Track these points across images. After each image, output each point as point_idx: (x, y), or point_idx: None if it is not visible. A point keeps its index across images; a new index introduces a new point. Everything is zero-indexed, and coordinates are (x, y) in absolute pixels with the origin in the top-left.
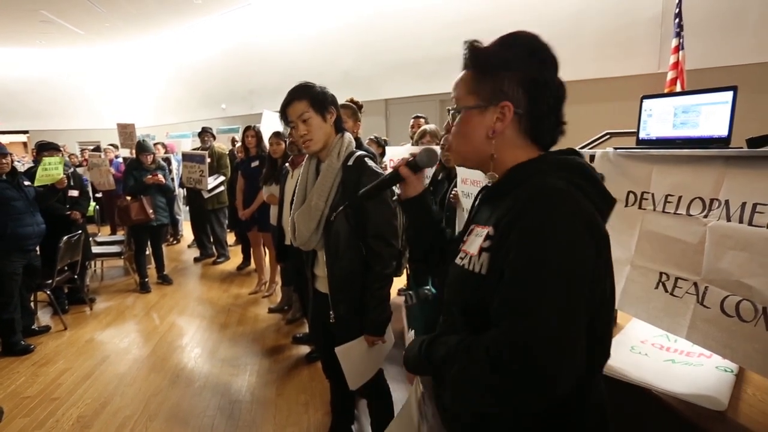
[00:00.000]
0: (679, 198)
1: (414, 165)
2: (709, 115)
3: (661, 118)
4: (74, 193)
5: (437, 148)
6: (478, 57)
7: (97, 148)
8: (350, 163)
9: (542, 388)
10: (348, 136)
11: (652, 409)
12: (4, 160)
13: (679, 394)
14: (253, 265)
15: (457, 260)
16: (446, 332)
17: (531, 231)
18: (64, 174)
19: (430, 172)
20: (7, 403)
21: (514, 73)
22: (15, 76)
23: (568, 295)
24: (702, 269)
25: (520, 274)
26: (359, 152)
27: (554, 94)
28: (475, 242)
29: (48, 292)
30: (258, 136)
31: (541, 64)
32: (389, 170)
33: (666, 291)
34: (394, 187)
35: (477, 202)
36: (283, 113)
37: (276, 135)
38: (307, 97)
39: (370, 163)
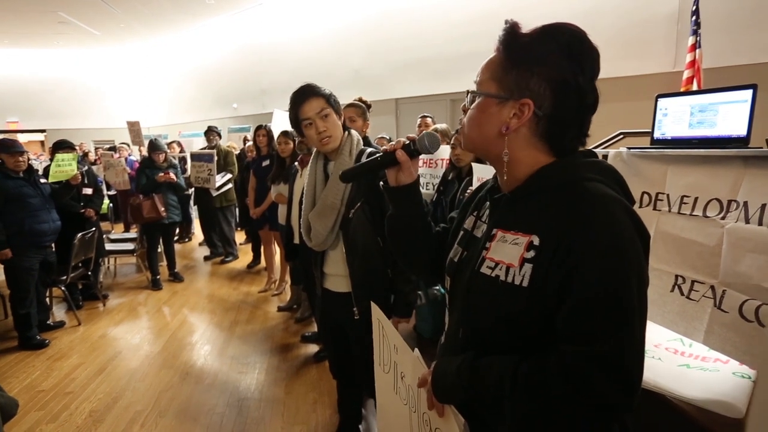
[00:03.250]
0: (696, 199)
1: (413, 150)
2: (727, 114)
3: (676, 118)
4: (88, 190)
5: (447, 148)
6: (512, 43)
7: (113, 148)
8: (363, 159)
9: (628, 401)
10: (355, 133)
11: (667, 415)
12: (20, 158)
13: (694, 399)
14: (263, 263)
15: (485, 270)
16: (466, 348)
17: (606, 248)
18: (79, 171)
19: (439, 172)
20: (22, 396)
21: (545, 69)
22: (33, 77)
23: (642, 307)
24: (719, 272)
25: (605, 293)
26: (370, 149)
27: (584, 102)
28: (509, 250)
29: (63, 288)
30: (269, 135)
31: (577, 66)
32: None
33: (682, 294)
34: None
35: (489, 203)
36: (297, 111)
37: (284, 134)
38: (323, 95)
39: None
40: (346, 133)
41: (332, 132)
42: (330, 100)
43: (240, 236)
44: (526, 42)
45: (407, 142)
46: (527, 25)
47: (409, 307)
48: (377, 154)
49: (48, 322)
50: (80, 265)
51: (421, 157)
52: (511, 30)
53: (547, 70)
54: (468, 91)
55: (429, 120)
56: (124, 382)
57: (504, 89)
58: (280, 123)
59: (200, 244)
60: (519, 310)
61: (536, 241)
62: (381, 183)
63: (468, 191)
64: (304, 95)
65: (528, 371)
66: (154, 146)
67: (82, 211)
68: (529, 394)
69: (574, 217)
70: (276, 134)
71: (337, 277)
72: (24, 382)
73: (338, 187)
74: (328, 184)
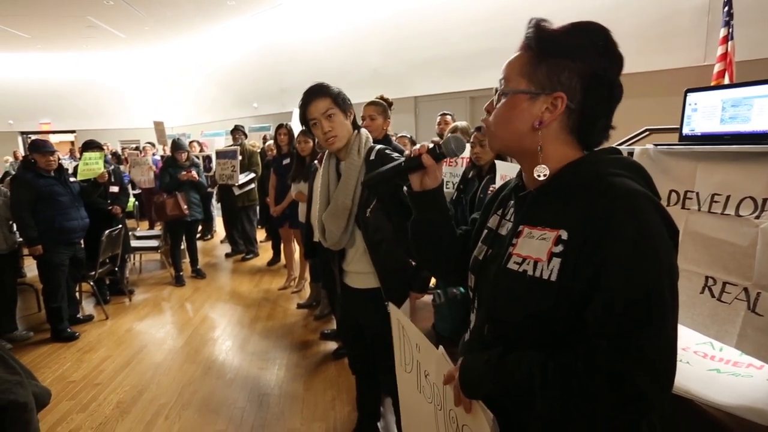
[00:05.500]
0: (728, 197)
1: (439, 153)
2: (763, 109)
3: (707, 113)
4: (115, 189)
5: (462, 139)
6: (543, 38)
7: (137, 149)
8: (372, 157)
9: (661, 398)
10: (364, 131)
11: (696, 420)
12: (51, 158)
13: (725, 406)
14: (283, 261)
15: (512, 265)
16: (493, 344)
17: (635, 241)
18: (106, 170)
19: (459, 170)
20: (54, 386)
21: (576, 63)
22: (63, 79)
23: (673, 299)
24: (753, 274)
25: (635, 287)
26: (378, 146)
27: (612, 96)
28: (537, 245)
29: (91, 283)
30: (290, 134)
31: (607, 61)
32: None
33: (713, 296)
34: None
35: (514, 201)
36: (304, 112)
37: (303, 133)
38: (329, 95)
39: (394, 154)
40: (356, 132)
41: (338, 132)
42: (337, 99)
43: (260, 234)
44: (557, 36)
45: (431, 145)
46: (551, 20)
47: (427, 283)
48: (401, 159)
49: (78, 315)
50: (107, 261)
51: None
52: (540, 26)
53: (579, 65)
54: (496, 90)
55: (449, 117)
56: (149, 375)
57: (535, 84)
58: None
59: (222, 242)
60: (547, 304)
61: (564, 235)
62: (405, 188)
63: (490, 189)
64: (311, 95)
65: (558, 365)
66: (176, 146)
67: (110, 208)
68: (560, 388)
69: (601, 211)
70: (296, 133)
71: (355, 273)
72: (56, 373)
73: (349, 188)
74: (339, 184)
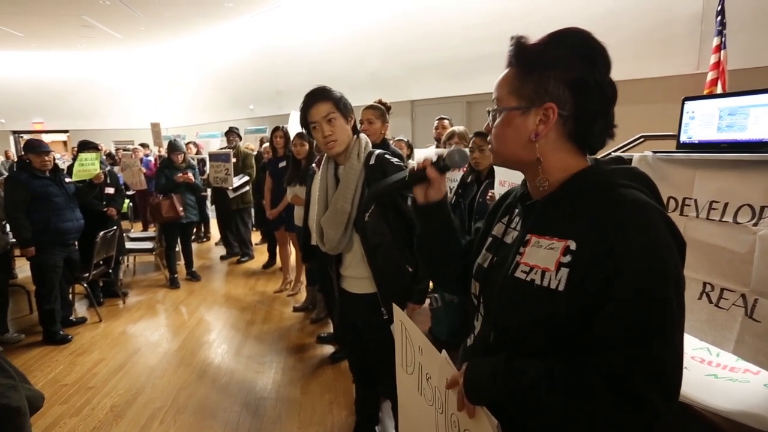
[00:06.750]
0: (726, 204)
1: (443, 166)
2: (759, 118)
3: (704, 121)
4: (110, 190)
5: (466, 151)
6: (522, 54)
7: (126, 149)
8: (372, 162)
9: (666, 407)
10: (363, 136)
11: (693, 425)
12: (46, 158)
13: (723, 411)
14: (278, 263)
15: (519, 274)
16: (498, 351)
17: (645, 253)
18: (102, 171)
19: (458, 175)
20: (47, 389)
21: (560, 72)
22: (57, 78)
23: (680, 311)
24: (751, 280)
25: (644, 297)
26: (378, 151)
27: (604, 96)
28: (545, 255)
29: (85, 285)
30: (286, 136)
31: (590, 64)
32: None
33: (710, 302)
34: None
35: (520, 210)
36: (305, 114)
37: (299, 136)
38: (331, 99)
39: (393, 159)
40: (355, 137)
41: (338, 136)
42: (339, 103)
43: (255, 236)
44: (536, 50)
45: (434, 158)
46: (546, 26)
47: (425, 293)
48: (405, 172)
49: (71, 318)
50: (101, 262)
51: None
52: (519, 43)
53: (561, 72)
54: (489, 111)
55: (446, 122)
56: (143, 378)
57: (524, 99)
58: (297, 124)
59: (216, 244)
60: (554, 313)
61: (573, 246)
62: (409, 201)
63: (489, 194)
64: (312, 98)
65: (564, 372)
66: (173, 147)
67: (105, 209)
68: (565, 395)
69: (611, 222)
70: (292, 136)
71: (353, 278)
72: (48, 376)
73: (349, 192)
74: (338, 188)
